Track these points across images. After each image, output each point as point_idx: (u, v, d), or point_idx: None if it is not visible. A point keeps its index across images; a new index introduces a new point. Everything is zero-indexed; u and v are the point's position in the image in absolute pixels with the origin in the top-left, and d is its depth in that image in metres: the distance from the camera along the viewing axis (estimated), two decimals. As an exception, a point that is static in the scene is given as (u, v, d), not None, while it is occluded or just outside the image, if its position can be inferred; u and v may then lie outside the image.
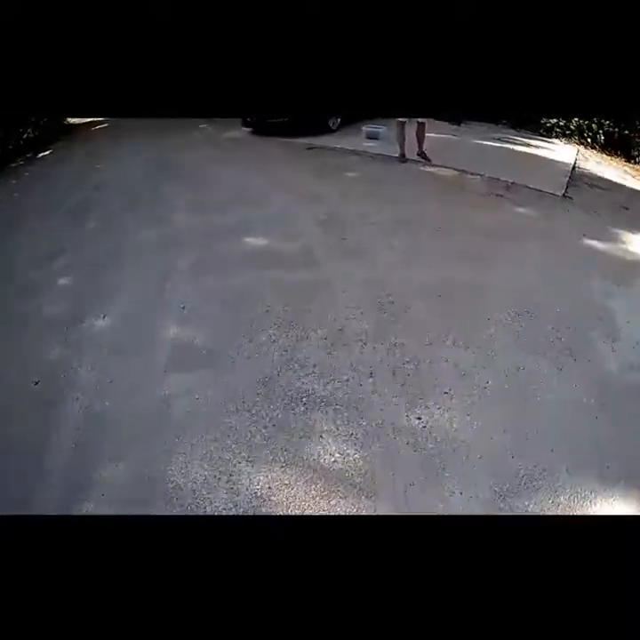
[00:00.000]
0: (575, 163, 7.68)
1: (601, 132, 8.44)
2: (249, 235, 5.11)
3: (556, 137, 9.03)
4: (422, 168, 6.86)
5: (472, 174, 6.51)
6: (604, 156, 8.68)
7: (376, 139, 7.94)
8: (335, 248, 4.78)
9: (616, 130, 8.44)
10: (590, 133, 8.62)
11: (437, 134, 8.20)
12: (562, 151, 8.38)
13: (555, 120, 8.88)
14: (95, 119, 13.04)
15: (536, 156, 7.88)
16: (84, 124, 12.77)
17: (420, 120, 6.88)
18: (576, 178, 7.04)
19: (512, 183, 6.21)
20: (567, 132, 8.92)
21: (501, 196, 5.87)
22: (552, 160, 7.74)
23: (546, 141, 8.84)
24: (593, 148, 8.76)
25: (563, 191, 6.26)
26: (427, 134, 6.98)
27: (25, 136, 10.01)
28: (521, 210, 5.59)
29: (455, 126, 8.68)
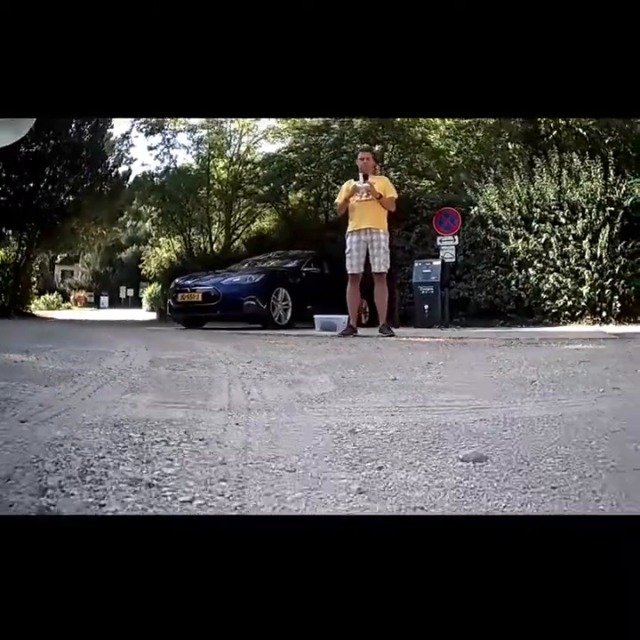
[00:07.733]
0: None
1: (616, 297, 6.94)
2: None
3: (564, 323, 7.54)
4: (396, 340, 4.77)
5: (476, 338, 4.57)
6: (625, 325, 7.24)
7: (332, 330, 6.07)
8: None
9: (632, 288, 6.98)
10: (604, 304, 7.15)
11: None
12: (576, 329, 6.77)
13: (561, 302, 7.51)
14: (53, 318, 14.35)
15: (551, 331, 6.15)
16: (41, 317, 13.96)
17: (377, 271, 5.07)
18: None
19: (541, 339, 4.24)
20: (577, 314, 7.50)
21: (544, 338, 3.82)
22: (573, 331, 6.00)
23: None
24: (607, 322, 7.37)
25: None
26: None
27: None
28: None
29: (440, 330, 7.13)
